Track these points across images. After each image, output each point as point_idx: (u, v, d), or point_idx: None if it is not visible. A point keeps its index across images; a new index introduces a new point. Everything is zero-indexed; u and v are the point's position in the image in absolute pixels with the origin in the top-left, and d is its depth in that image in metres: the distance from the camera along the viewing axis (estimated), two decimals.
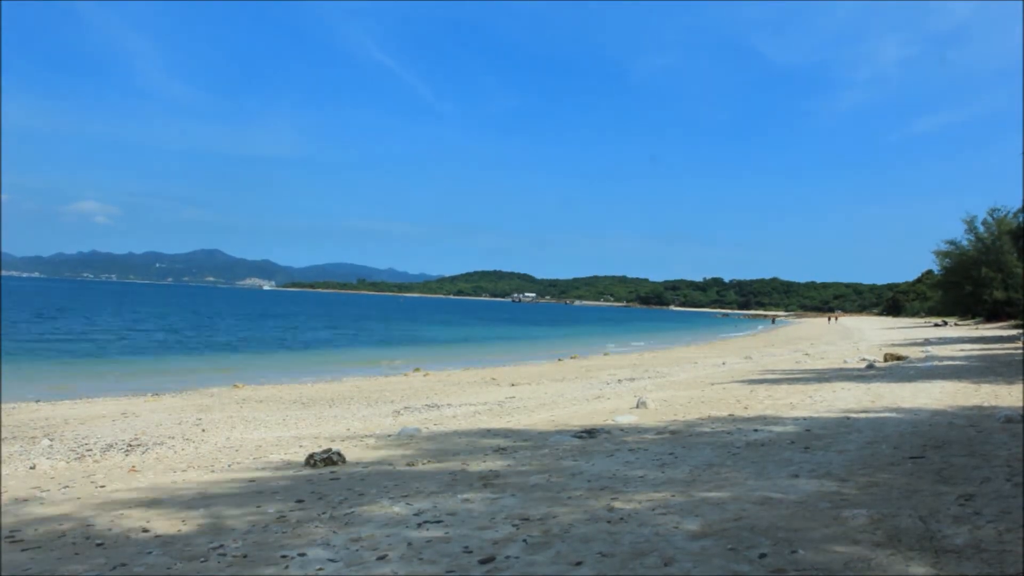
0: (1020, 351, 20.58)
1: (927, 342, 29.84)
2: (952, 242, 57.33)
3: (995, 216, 52.65)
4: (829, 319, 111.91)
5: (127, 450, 8.21)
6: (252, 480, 6.10)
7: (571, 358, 28.34)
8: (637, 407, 10.52)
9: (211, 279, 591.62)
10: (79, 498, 5.56)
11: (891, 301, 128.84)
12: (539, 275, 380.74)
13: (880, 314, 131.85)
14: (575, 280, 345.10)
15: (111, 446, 8.45)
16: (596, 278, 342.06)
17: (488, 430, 8.98)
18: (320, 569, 3.58)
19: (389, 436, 8.71)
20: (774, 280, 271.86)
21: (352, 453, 7.33)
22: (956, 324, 58.23)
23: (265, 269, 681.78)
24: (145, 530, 4.49)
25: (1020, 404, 8.96)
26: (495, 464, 6.35)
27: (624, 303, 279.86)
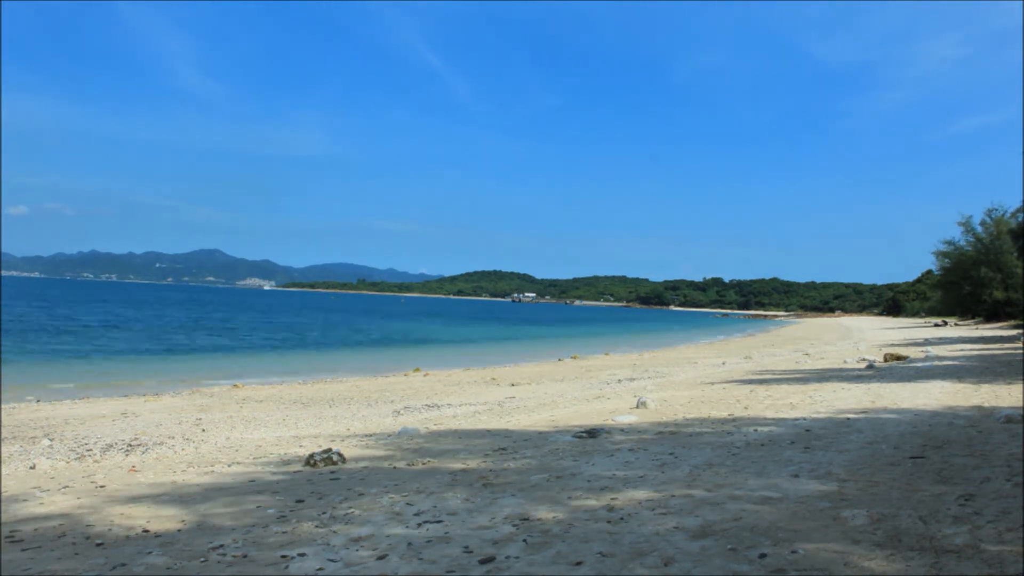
0: (1020, 351, 20.58)
1: (927, 342, 29.84)
2: (950, 242, 57.38)
3: (993, 216, 52.70)
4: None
5: (127, 450, 8.20)
6: (252, 480, 6.10)
7: (571, 358, 28.34)
8: (637, 407, 10.52)
9: (211, 279, 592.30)
10: (79, 498, 5.56)
11: (891, 301, 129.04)
12: (539, 275, 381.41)
13: (880, 314, 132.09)
14: (575, 280, 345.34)
15: (111, 446, 8.45)
16: (596, 278, 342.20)
17: (488, 430, 8.98)
18: (320, 569, 3.58)
19: (389, 436, 8.71)
20: (774, 280, 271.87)
21: (352, 453, 7.33)
22: (956, 324, 58.26)
23: (265, 269, 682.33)
24: (145, 530, 4.48)
25: (1020, 404, 8.96)
26: (495, 464, 6.35)
27: (624, 303, 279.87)
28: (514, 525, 4.23)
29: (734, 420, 8.73)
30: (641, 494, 4.89)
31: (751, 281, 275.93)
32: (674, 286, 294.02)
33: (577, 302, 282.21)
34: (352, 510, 4.76)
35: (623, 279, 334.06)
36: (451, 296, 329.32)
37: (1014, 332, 34.61)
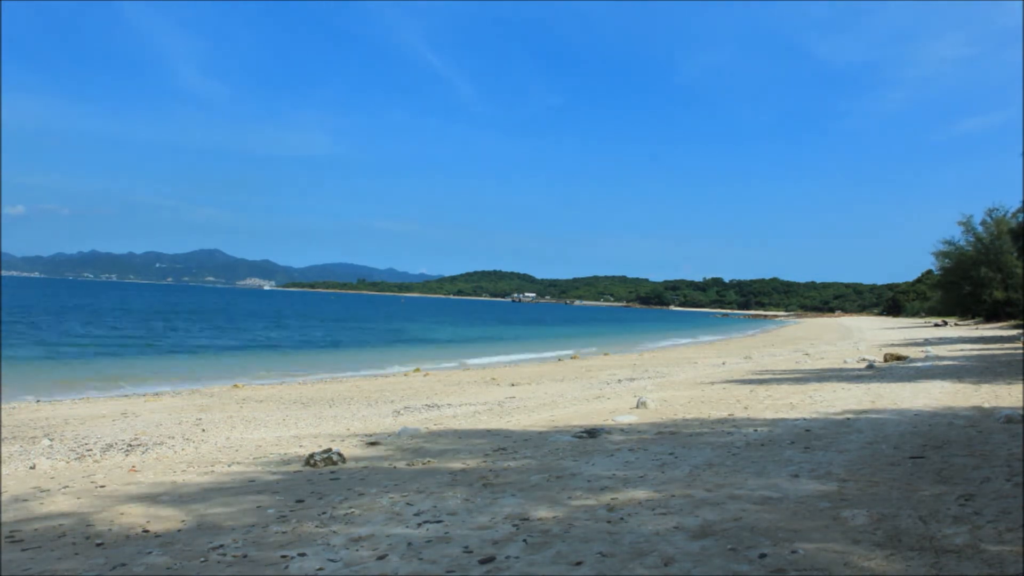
0: (1020, 351, 20.58)
1: (927, 342, 29.84)
2: (950, 242, 57.39)
3: (993, 216, 52.69)
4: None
5: (127, 450, 8.20)
6: (252, 480, 6.10)
7: (571, 358, 28.34)
8: (637, 407, 10.52)
9: (211, 279, 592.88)
10: (79, 498, 5.56)
11: (891, 301, 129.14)
12: (539, 275, 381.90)
13: (880, 314, 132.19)
14: (575, 280, 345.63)
15: (111, 446, 8.45)
16: (596, 278, 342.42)
17: (488, 430, 8.98)
18: (320, 569, 3.58)
19: (389, 436, 8.71)
20: (774, 280, 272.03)
21: (352, 453, 7.33)
22: (956, 324, 58.26)
23: (265, 269, 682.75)
24: (145, 530, 4.49)
25: (1020, 404, 8.96)
26: (495, 464, 6.35)
27: (624, 303, 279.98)
28: (514, 525, 4.23)
29: (734, 420, 8.73)
30: (641, 494, 4.89)
31: (751, 281, 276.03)
32: (674, 286, 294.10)
33: (577, 302, 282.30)
34: (352, 510, 4.76)
35: (623, 279, 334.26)
36: (451, 296, 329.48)
37: (1014, 332, 34.61)
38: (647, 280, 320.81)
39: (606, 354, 31.11)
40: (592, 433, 7.78)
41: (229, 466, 6.92)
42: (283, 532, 4.28)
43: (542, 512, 4.51)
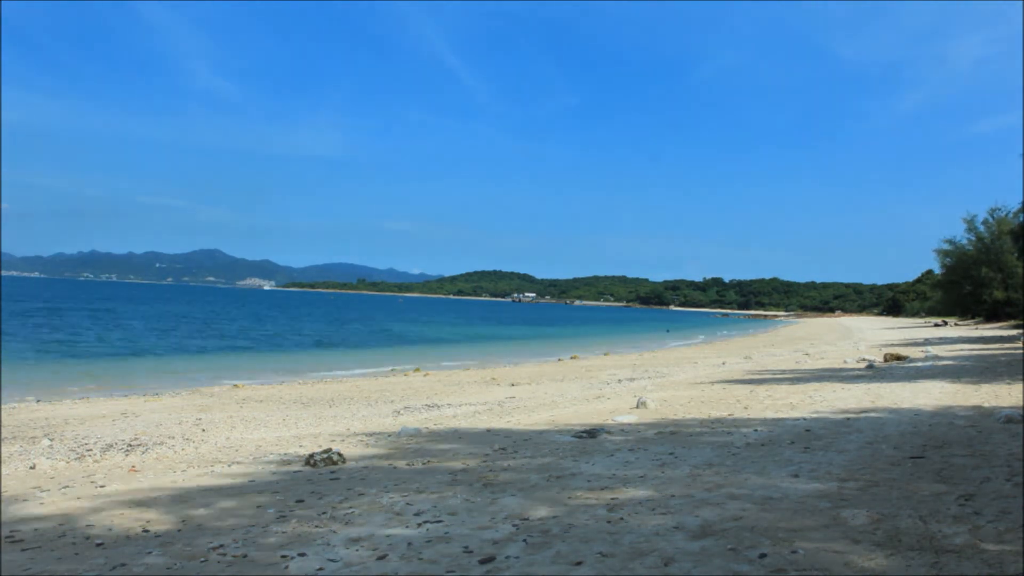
0: (1020, 351, 20.57)
1: (927, 342, 29.83)
2: (951, 241, 57.39)
3: (995, 216, 52.69)
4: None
5: (127, 450, 8.20)
6: (252, 480, 6.10)
7: (571, 358, 28.34)
8: (637, 407, 10.52)
9: (211, 279, 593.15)
10: (79, 498, 5.56)
11: (891, 301, 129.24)
12: (539, 275, 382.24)
13: (880, 314, 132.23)
14: (575, 280, 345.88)
15: (111, 446, 8.45)
16: (596, 278, 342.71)
17: (488, 430, 8.98)
18: (320, 569, 3.58)
19: (389, 436, 8.71)
20: (774, 280, 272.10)
21: (352, 452, 7.33)
22: (956, 324, 58.25)
23: (265, 269, 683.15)
24: (145, 530, 4.49)
25: (1020, 404, 8.96)
26: (495, 464, 6.35)
27: (624, 303, 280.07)
28: (514, 525, 4.23)
29: (734, 420, 8.73)
30: (641, 494, 4.89)
31: (751, 281, 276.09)
32: (674, 286, 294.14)
33: (577, 302, 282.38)
34: (352, 510, 4.77)
35: (623, 279, 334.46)
36: (451, 296, 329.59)
37: (1014, 332, 34.61)
38: (647, 280, 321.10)
39: (606, 354, 31.10)
40: (592, 433, 7.78)
41: (229, 466, 6.92)
42: (283, 532, 4.28)
43: (542, 512, 4.51)
